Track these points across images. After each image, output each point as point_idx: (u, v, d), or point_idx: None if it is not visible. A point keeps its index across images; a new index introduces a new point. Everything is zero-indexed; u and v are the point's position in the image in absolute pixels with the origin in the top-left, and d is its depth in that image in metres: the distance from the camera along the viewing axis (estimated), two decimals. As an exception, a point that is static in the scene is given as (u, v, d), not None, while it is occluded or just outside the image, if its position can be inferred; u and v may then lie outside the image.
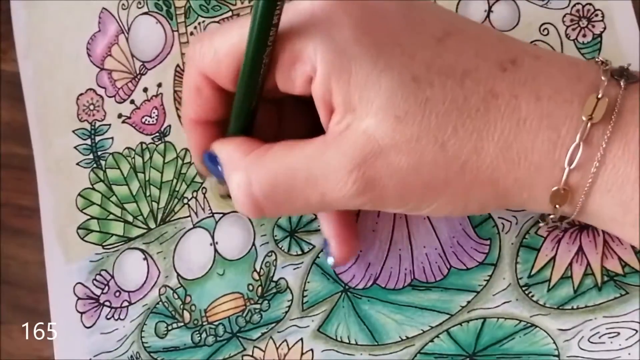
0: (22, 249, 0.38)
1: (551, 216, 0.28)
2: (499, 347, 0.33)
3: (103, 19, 0.39)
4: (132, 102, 0.38)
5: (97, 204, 0.37)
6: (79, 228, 0.37)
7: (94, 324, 0.36)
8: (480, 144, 0.25)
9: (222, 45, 0.28)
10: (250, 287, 0.35)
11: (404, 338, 0.34)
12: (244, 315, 0.35)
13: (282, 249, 0.36)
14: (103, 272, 0.36)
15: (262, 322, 0.35)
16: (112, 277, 0.36)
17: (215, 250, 0.36)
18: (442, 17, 0.27)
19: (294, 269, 0.35)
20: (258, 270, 0.35)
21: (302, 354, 0.35)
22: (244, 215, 0.29)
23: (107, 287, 0.36)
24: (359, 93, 0.25)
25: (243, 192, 0.28)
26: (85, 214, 0.37)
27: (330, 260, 0.33)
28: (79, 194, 0.37)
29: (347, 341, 0.34)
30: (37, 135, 0.38)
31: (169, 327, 0.36)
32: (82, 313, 0.36)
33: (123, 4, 0.39)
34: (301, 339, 0.35)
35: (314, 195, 0.27)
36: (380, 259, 0.34)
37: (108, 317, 0.36)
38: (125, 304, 0.36)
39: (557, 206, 0.26)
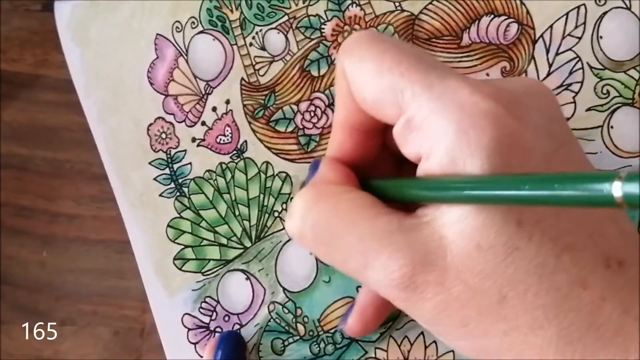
0: (22, 249, 0.38)
1: None
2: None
3: (159, 45, 0.38)
4: (204, 123, 0.37)
5: (188, 232, 0.37)
6: (174, 259, 0.36)
7: (209, 352, 0.35)
8: (541, 322, 0.22)
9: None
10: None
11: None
12: (360, 318, 0.35)
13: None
14: (208, 299, 0.36)
15: (379, 323, 0.35)
16: (218, 302, 0.36)
17: (316, 259, 0.35)
18: None
19: (402, 264, 0.35)
20: (366, 271, 0.35)
21: (426, 347, 0.34)
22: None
23: (214, 313, 0.36)
24: None
25: (299, 213, 0.26)
26: (178, 244, 0.36)
27: (342, 325, 0.33)
28: (168, 225, 0.37)
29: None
30: (114, 172, 0.37)
31: (286, 343, 0.35)
32: (195, 344, 0.36)
33: (177, 27, 0.38)
34: (421, 333, 0.34)
35: (356, 261, 0.24)
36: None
37: (222, 343, 0.35)
38: (237, 327, 0.36)
39: None
